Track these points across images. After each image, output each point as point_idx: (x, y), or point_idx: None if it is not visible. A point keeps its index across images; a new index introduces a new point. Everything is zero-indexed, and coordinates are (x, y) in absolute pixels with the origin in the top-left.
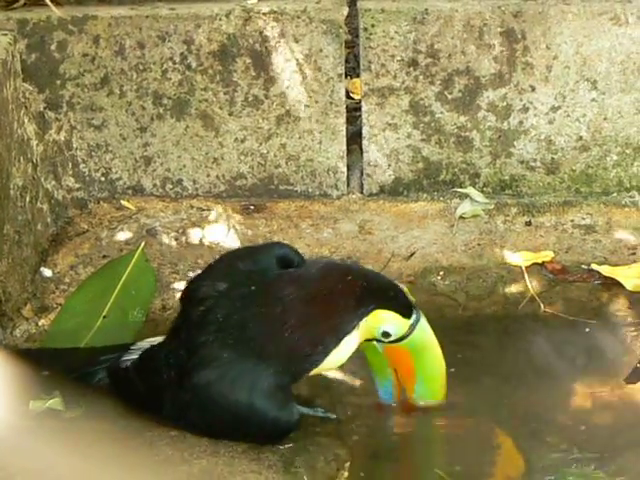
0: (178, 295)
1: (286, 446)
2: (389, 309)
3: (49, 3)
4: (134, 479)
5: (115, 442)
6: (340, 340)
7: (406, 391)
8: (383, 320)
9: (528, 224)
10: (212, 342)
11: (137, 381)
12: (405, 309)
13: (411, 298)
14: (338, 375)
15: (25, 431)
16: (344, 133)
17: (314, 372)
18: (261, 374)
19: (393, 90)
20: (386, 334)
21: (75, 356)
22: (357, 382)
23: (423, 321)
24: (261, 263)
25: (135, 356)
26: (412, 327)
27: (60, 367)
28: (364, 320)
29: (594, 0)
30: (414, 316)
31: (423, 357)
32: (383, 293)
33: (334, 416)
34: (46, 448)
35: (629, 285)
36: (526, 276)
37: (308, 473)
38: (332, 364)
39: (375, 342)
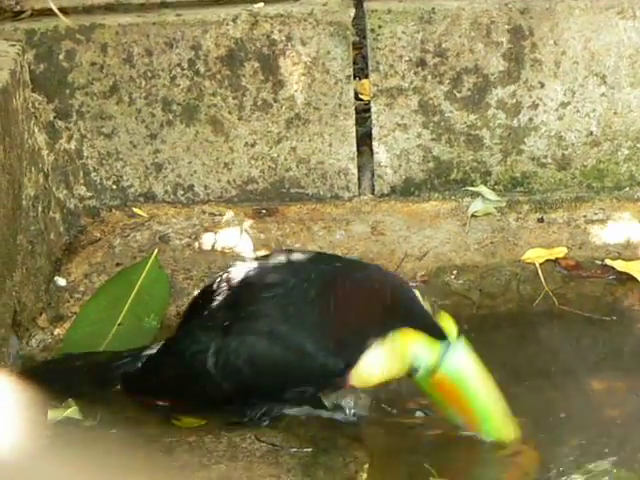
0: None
1: (305, 449)
2: (418, 329)
3: (57, 12)
4: None
5: (133, 449)
6: (364, 346)
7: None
8: (410, 344)
9: (540, 221)
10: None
11: (166, 365)
12: (436, 332)
13: (450, 324)
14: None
15: (44, 441)
16: (354, 135)
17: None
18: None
19: (402, 90)
20: (416, 368)
21: (90, 363)
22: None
23: (460, 346)
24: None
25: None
26: (445, 351)
27: (75, 376)
28: (391, 336)
29: None
30: (447, 340)
31: (469, 388)
32: (412, 312)
33: (354, 418)
34: (65, 458)
35: None
36: (540, 273)
37: (327, 476)
38: (362, 378)
39: (420, 372)
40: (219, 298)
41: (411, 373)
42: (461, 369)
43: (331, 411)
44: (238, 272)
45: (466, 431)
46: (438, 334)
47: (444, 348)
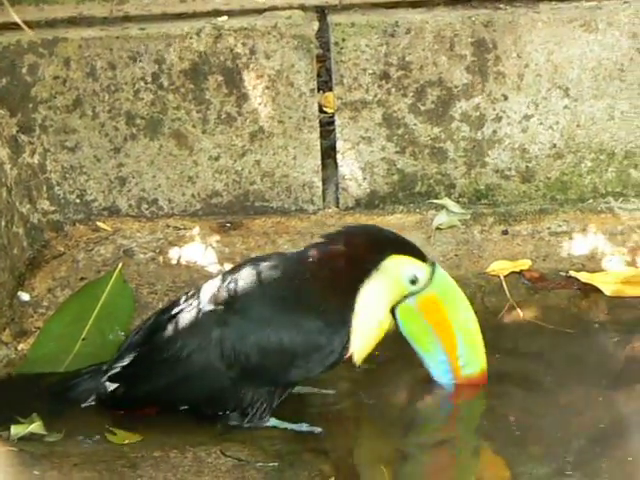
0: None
1: (270, 464)
2: (404, 254)
3: (21, 23)
4: None
5: (98, 464)
6: (360, 285)
7: (453, 362)
8: (404, 265)
9: (505, 233)
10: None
11: (158, 372)
12: (419, 254)
13: None
14: (319, 390)
15: (7, 457)
16: (318, 148)
17: (361, 335)
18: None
19: (366, 103)
20: (414, 279)
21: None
22: (338, 398)
23: (441, 270)
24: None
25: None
26: (432, 269)
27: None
28: (383, 266)
29: (564, 7)
30: (431, 262)
31: (455, 307)
32: (395, 241)
33: (319, 430)
34: (28, 474)
35: (608, 291)
36: (505, 285)
37: None
38: (371, 321)
39: (408, 300)
40: (195, 301)
41: (408, 294)
42: (450, 286)
43: (296, 424)
44: (210, 282)
45: (445, 383)
46: (423, 256)
47: (431, 267)
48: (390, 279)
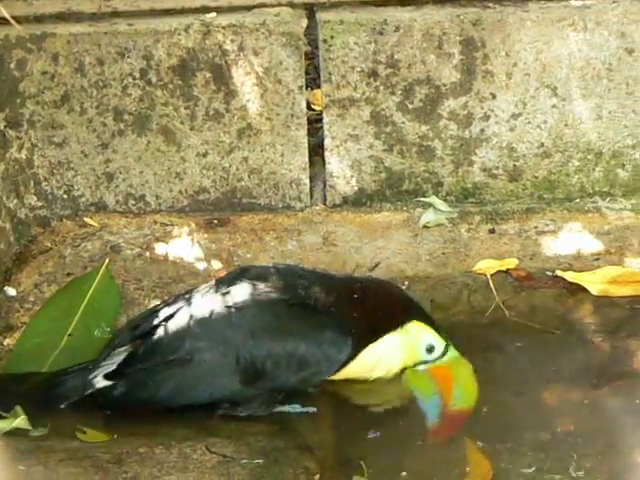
0: (143, 311)
1: (255, 461)
2: (427, 324)
3: (9, 18)
4: None
5: (83, 460)
6: (379, 335)
7: (445, 402)
8: (424, 334)
9: (492, 232)
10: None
11: (168, 375)
12: (437, 328)
13: None
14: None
15: None
16: (306, 145)
17: (358, 371)
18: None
19: (354, 101)
20: (431, 348)
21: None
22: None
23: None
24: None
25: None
26: (447, 344)
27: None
28: (405, 329)
29: (553, 7)
30: (445, 335)
31: (459, 372)
32: (420, 309)
33: (313, 409)
34: (12, 469)
35: (594, 290)
36: (491, 284)
37: None
38: (373, 366)
39: (419, 367)
40: (201, 301)
41: (422, 361)
42: (459, 356)
43: (290, 405)
44: (213, 282)
45: (431, 419)
46: (440, 330)
47: (446, 342)
48: (410, 342)
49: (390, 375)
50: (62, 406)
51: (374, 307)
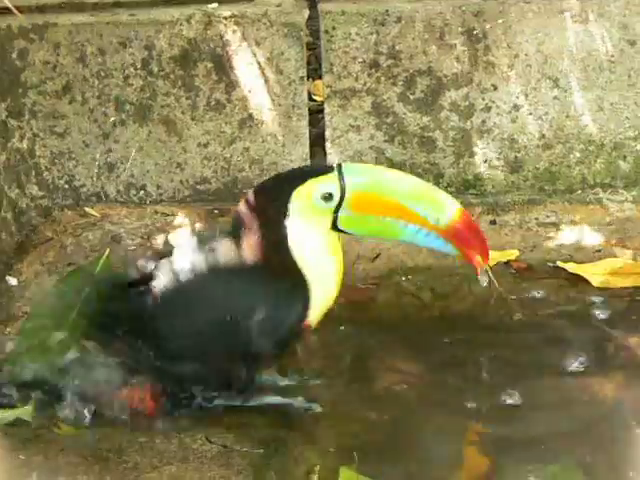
0: None
1: (255, 451)
2: (306, 180)
3: (11, 7)
4: None
5: (83, 450)
6: (280, 233)
7: (425, 225)
8: (310, 190)
9: (493, 223)
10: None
11: None
12: (321, 170)
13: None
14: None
15: None
16: (307, 135)
17: (319, 281)
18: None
19: (355, 92)
20: (326, 196)
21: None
22: (325, 386)
23: (350, 164)
24: None
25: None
26: (340, 172)
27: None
28: (291, 207)
29: None
30: (336, 168)
31: (383, 185)
32: (292, 175)
33: (317, 406)
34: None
35: (595, 282)
36: (491, 275)
37: (278, 477)
38: (319, 262)
39: (341, 214)
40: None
41: (334, 213)
42: (365, 174)
43: (293, 399)
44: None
45: (410, 235)
46: (322, 169)
47: (338, 172)
48: (306, 213)
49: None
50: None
51: (258, 233)
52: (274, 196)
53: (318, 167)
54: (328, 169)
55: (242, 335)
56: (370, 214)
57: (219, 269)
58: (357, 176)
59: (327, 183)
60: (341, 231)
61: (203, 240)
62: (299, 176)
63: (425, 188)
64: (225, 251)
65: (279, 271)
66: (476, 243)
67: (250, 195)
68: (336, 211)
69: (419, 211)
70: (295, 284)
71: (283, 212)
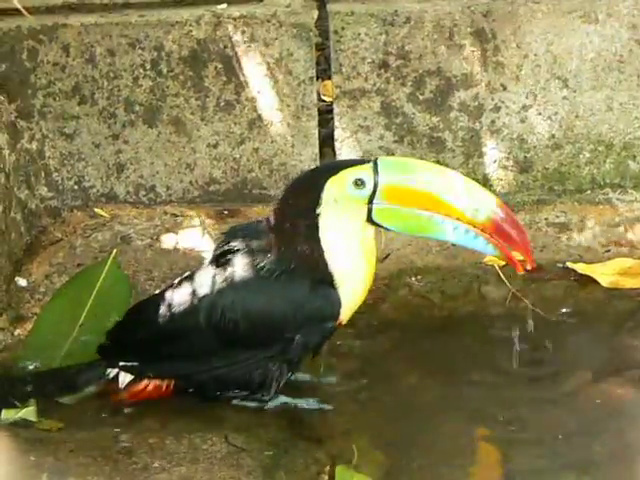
0: None
1: (266, 452)
2: (340, 170)
3: (21, 9)
4: None
5: (93, 451)
6: (312, 223)
7: (463, 220)
8: (343, 179)
9: None
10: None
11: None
12: (355, 161)
13: None
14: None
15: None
16: (316, 136)
17: (350, 275)
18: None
19: (365, 92)
20: (357, 182)
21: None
22: (336, 387)
23: (383, 157)
24: None
25: None
26: (375, 164)
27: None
28: (324, 197)
29: None
30: (370, 161)
31: (419, 179)
32: (325, 167)
33: (329, 407)
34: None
35: (604, 282)
36: (502, 275)
37: (288, 477)
38: (351, 255)
39: (374, 205)
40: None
41: (369, 213)
42: (401, 166)
43: (305, 400)
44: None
45: (448, 231)
46: (358, 161)
47: (373, 164)
48: (339, 201)
49: (368, 241)
50: (79, 393)
51: (290, 225)
52: (308, 186)
53: (354, 159)
54: (363, 161)
55: (277, 335)
56: (405, 206)
57: (251, 268)
58: (391, 166)
59: (360, 171)
60: (377, 225)
61: (243, 236)
62: (334, 167)
63: (461, 180)
64: (260, 248)
65: (309, 265)
66: (518, 239)
67: (287, 187)
68: (370, 202)
69: (455, 203)
70: (322, 281)
71: (315, 201)
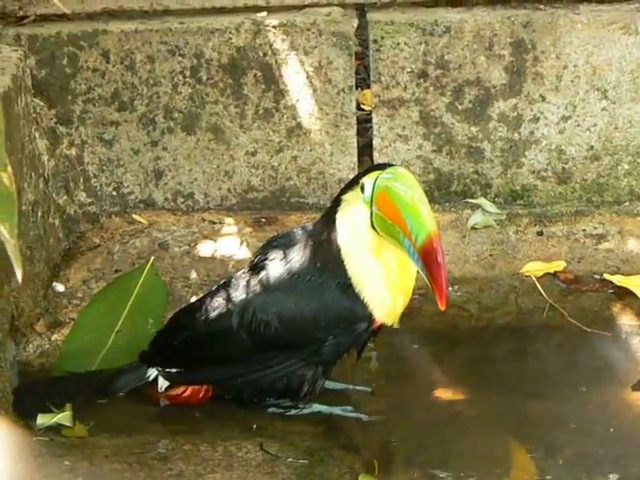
0: None
1: (301, 460)
2: (366, 174)
3: (61, 6)
4: None
5: (128, 457)
6: (332, 225)
7: (409, 238)
8: (358, 183)
9: (540, 234)
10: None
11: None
12: (381, 165)
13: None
14: (354, 387)
15: (38, 446)
16: (355, 145)
17: (376, 284)
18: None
19: (403, 101)
20: (363, 186)
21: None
22: (371, 396)
23: (395, 167)
24: None
25: None
26: (381, 173)
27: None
28: (343, 200)
29: (604, 9)
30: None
31: (397, 190)
32: (363, 172)
33: (365, 416)
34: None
35: None
36: (539, 286)
37: None
38: (355, 254)
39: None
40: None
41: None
42: (392, 179)
43: (342, 408)
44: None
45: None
46: (382, 165)
47: (382, 170)
48: (350, 204)
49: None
50: (119, 394)
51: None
52: (341, 190)
53: (383, 164)
54: (381, 166)
55: (309, 336)
56: (386, 216)
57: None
58: (388, 175)
59: (371, 176)
60: (375, 230)
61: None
62: (364, 172)
63: (418, 201)
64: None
65: (330, 267)
66: (436, 274)
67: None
68: (371, 206)
69: (408, 223)
70: (347, 283)
71: (337, 203)
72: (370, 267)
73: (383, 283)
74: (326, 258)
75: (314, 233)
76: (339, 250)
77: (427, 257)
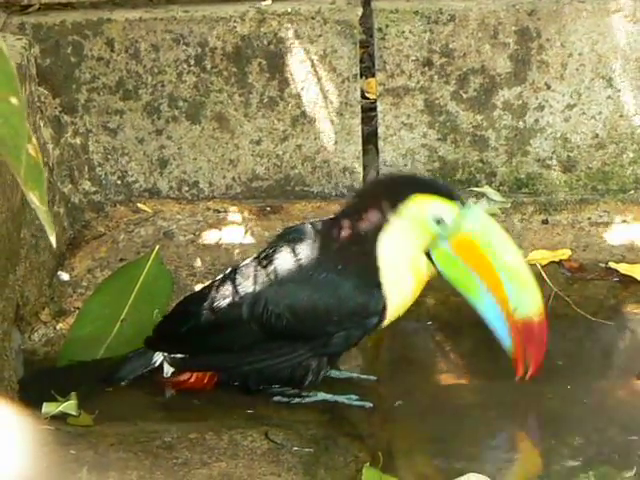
0: None
1: (306, 448)
2: (429, 193)
3: None
4: None
5: (134, 445)
6: (379, 230)
7: (502, 305)
8: (428, 206)
9: (545, 222)
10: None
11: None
12: (448, 193)
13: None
14: (358, 376)
15: (43, 435)
16: (360, 133)
17: (397, 286)
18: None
19: (408, 90)
20: (439, 219)
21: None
22: (376, 384)
23: (477, 207)
24: None
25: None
26: (464, 210)
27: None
28: (403, 209)
29: None
30: (463, 200)
31: (494, 246)
32: (417, 182)
33: (370, 404)
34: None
35: None
36: (544, 274)
37: (327, 474)
38: (401, 270)
39: (441, 243)
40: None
41: (438, 236)
42: (485, 225)
43: (346, 396)
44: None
45: (484, 304)
46: (453, 194)
47: (462, 207)
48: (414, 222)
49: (425, 271)
50: (123, 383)
51: (357, 224)
52: (391, 189)
53: (448, 187)
54: (455, 196)
55: (320, 329)
56: (465, 261)
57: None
58: (476, 220)
59: (447, 208)
60: (430, 259)
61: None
62: (424, 184)
63: (524, 272)
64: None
65: (360, 265)
66: (535, 353)
67: (372, 180)
68: (437, 239)
69: (506, 287)
70: (369, 281)
71: (392, 207)
72: (404, 278)
73: (407, 293)
74: (354, 261)
75: (337, 232)
76: (377, 251)
77: (528, 334)
